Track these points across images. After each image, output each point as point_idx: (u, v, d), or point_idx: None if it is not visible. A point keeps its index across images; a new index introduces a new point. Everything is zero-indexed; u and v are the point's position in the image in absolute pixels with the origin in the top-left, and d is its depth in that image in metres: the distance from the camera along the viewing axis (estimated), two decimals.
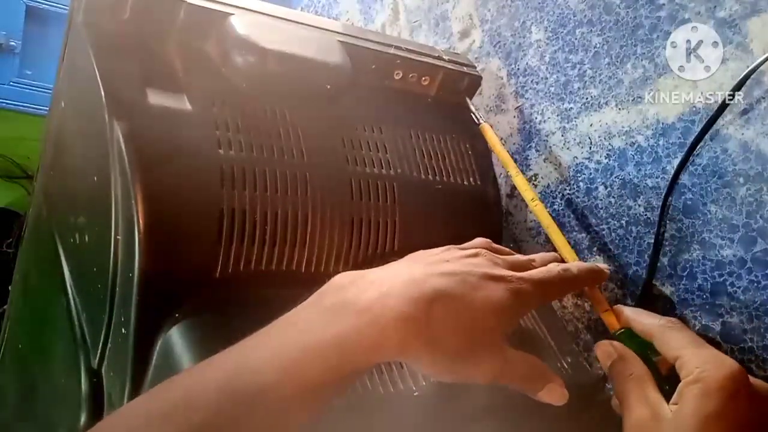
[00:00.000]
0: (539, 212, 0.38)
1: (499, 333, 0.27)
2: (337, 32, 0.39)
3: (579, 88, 0.45)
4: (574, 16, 0.46)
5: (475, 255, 0.30)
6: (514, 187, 0.49)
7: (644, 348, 0.31)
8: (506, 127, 0.51)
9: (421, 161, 0.40)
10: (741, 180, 0.34)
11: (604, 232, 0.42)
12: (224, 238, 0.30)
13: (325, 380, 0.23)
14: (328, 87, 0.36)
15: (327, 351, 0.23)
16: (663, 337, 0.29)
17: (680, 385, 0.27)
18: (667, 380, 0.29)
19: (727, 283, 0.34)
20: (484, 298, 0.26)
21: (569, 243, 0.37)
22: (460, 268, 0.27)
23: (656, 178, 0.39)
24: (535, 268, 0.31)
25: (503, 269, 0.29)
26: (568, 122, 0.45)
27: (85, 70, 0.32)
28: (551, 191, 0.46)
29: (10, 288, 0.53)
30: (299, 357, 0.23)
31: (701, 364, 0.26)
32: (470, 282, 0.27)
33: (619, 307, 0.33)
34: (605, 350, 0.31)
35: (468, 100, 0.45)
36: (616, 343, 0.31)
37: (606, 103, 0.43)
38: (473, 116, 0.44)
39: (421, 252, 0.31)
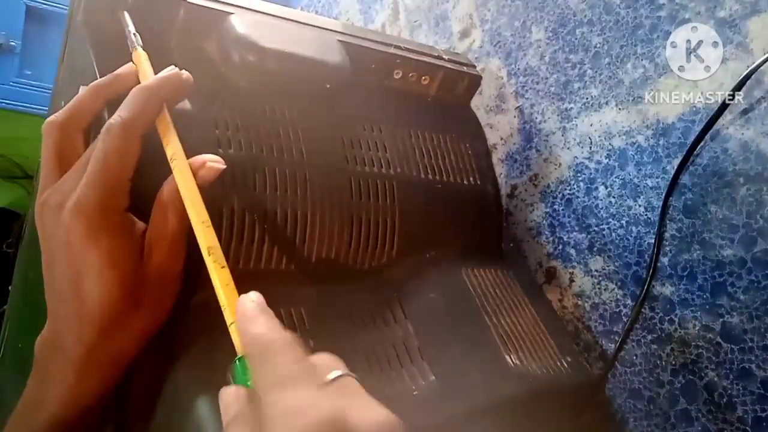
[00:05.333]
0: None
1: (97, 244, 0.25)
2: (337, 32, 0.39)
3: (579, 88, 0.45)
4: (574, 16, 0.46)
5: None
6: (514, 187, 0.49)
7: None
8: (506, 127, 0.51)
9: (421, 161, 0.40)
10: (741, 180, 0.34)
11: (604, 232, 0.41)
12: (224, 237, 0.30)
13: None
14: (328, 87, 0.36)
15: None
16: (255, 363, 0.21)
17: None
18: None
19: (727, 283, 0.34)
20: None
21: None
22: None
23: (656, 178, 0.39)
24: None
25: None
26: (568, 122, 0.45)
27: (85, 70, 0.32)
28: (551, 191, 0.46)
29: (10, 288, 0.53)
30: None
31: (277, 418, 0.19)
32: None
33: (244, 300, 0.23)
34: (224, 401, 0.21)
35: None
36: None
37: (606, 103, 0.43)
38: (131, 39, 0.30)
39: None
